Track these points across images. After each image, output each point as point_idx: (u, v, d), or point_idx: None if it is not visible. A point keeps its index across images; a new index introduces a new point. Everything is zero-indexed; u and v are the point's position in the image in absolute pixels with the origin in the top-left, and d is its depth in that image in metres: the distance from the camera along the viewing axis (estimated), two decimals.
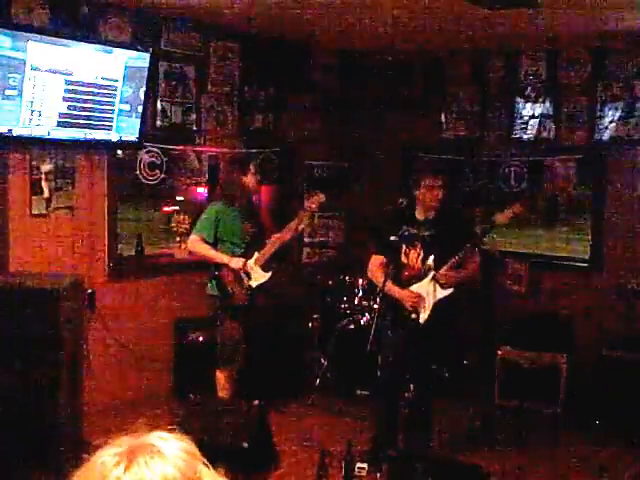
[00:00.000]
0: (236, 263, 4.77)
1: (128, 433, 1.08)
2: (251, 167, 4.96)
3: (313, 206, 4.95)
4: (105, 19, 5.03)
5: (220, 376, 4.90)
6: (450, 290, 4.36)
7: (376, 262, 4.49)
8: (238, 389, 4.91)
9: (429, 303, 4.36)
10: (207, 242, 4.80)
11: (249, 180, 4.93)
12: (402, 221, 4.40)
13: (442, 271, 4.31)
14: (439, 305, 4.37)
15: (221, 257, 4.79)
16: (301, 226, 4.99)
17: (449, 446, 4.72)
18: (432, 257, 4.34)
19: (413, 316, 4.33)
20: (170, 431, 1.11)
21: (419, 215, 4.41)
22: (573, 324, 5.64)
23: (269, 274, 4.89)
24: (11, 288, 4.06)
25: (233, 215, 4.88)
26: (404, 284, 4.39)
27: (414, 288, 4.37)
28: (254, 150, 6.08)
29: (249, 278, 4.82)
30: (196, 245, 4.84)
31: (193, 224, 5.20)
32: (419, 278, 4.37)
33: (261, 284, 4.88)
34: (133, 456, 1.02)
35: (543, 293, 5.93)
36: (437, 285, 4.35)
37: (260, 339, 5.14)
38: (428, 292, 4.36)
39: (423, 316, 4.35)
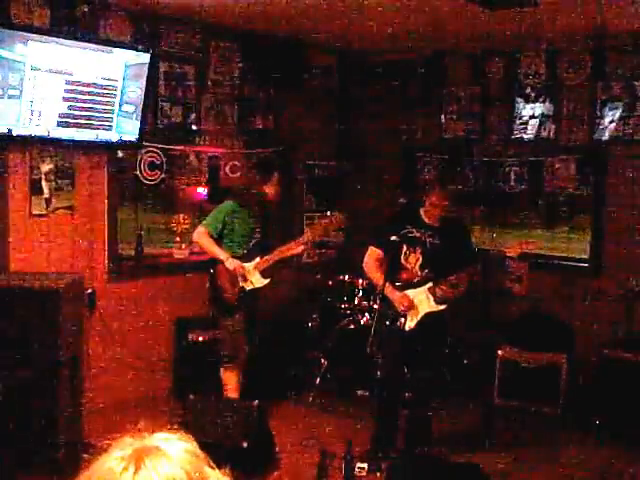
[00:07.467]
0: (230, 263, 4.76)
1: (129, 434, 1.08)
2: (274, 177, 4.94)
3: (331, 227, 5.02)
4: (105, 19, 5.04)
5: (227, 377, 4.86)
6: (444, 306, 4.32)
7: (373, 255, 4.45)
8: (245, 390, 4.89)
9: (419, 313, 4.30)
10: (212, 236, 4.80)
11: (269, 189, 4.93)
12: (406, 221, 4.37)
13: (441, 287, 4.26)
14: (428, 319, 4.31)
15: (219, 254, 4.78)
16: (306, 245, 4.95)
17: (449, 446, 4.71)
18: (432, 268, 4.30)
19: (401, 320, 4.29)
20: (172, 431, 1.10)
21: (426, 218, 4.35)
22: (573, 324, 5.64)
23: (267, 280, 4.87)
24: (11, 288, 4.06)
25: (243, 217, 4.86)
26: (399, 286, 4.34)
27: (409, 293, 4.32)
28: (254, 150, 6.07)
29: (244, 280, 4.81)
30: (201, 237, 4.84)
31: (192, 224, 5.19)
32: (416, 284, 4.34)
33: (256, 288, 4.87)
34: (140, 459, 1.02)
35: (543, 293, 5.93)
36: (432, 298, 4.30)
37: (261, 339, 5.13)
38: (421, 301, 4.31)
39: (410, 324, 4.30)
